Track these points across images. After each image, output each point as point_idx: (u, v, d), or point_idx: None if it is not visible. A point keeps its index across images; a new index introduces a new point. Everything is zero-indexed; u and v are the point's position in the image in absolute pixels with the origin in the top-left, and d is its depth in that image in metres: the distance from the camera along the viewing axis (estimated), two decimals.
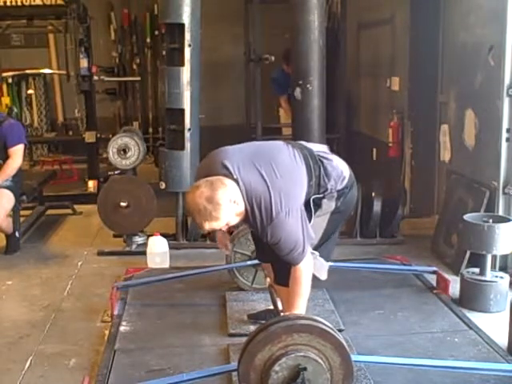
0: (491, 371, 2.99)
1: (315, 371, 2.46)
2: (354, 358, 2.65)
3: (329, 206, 3.12)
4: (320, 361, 2.48)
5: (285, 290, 3.12)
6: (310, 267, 2.99)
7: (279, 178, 2.91)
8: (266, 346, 2.49)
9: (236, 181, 2.86)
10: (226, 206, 2.79)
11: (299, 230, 2.88)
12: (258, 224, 2.90)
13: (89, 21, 7.44)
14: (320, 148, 3.26)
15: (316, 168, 3.05)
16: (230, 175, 2.88)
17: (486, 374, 3.01)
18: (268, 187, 2.87)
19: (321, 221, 3.13)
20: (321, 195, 3.09)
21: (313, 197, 3.07)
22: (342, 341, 2.54)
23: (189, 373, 2.94)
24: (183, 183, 5.13)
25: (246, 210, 2.88)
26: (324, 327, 2.55)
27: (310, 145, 3.26)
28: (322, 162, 3.08)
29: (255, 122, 6.89)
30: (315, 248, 3.13)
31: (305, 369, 2.45)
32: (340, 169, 3.14)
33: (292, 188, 2.93)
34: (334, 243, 3.37)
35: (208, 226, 2.83)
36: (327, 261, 3.24)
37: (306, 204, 3.04)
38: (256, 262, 3.83)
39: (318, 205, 3.10)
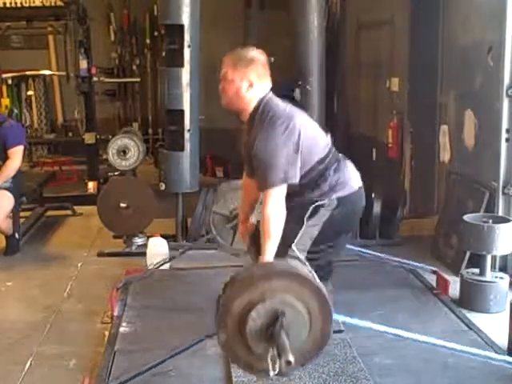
0: (474, 356, 2.98)
1: (293, 316, 2.41)
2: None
3: (324, 214, 3.12)
4: (298, 306, 2.42)
5: None
6: (279, 203, 2.96)
7: (299, 116, 3.09)
8: (243, 293, 2.43)
9: (270, 93, 3.10)
10: (249, 70, 3.03)
11: (284, 153, 2.95)
12: (255, 126, 3.04)
13: (88, 22, 7.45)
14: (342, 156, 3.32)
15: (331, 160, 3.15)
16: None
17: (488, 373, 3.03)
18: (285, 112, 3.06)
19: (312, 230, 3.12)
20: (323, 202, 3.10)
21: (314, 205, 3.08)
22: (319, 286, 2.50)
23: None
24: (183, 184, 5.14)
25: (255, 108, 3.07)
26: (301, 273, 2.52)
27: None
28: (339, 160, 3.19)
29: None
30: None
31: (283, 313, 2.39)
32: (349, 175, 3.20)
33: (305, 129, 3.05)
34: (327, 258, 3.30)
35: (224, 68, 3.08)
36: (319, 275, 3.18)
37: (303, 210, 3.07)
38: (235, 223, 3.81)
39: (315, 212, 3.10)
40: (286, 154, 2.96)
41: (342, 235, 3.34)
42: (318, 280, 2.55)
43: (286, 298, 2.42)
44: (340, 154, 3.27)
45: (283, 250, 3.02)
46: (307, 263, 3.10)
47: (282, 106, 3.11)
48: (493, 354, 3.09)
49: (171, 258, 4.42)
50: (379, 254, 4.45)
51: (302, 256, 3.10)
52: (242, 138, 3.25)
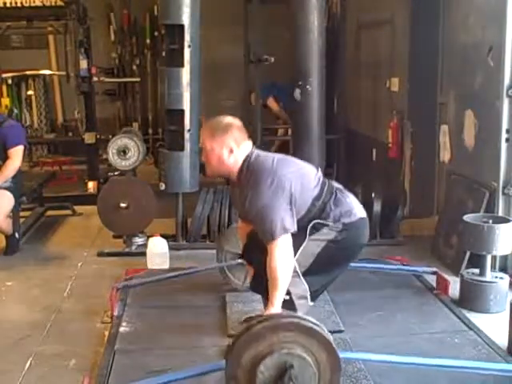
0: (486, 370, 2.98)
1: (301, 367, 2.44)
2: (345, 355, 2.68)
3: (328, 233, 3.15)
4: (306, 357, 2.45)
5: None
6: (285, 254, 3.01)
7: (282, 167, 3.11)
8: (252, 345, 2.47)
9: (253, 148, 3.20)
10: (226, 137, 3.12)
11: (275, 206, 3.00)
12: (243, 185, 3.12)
13: (88, 22, 7.45)
14: (340, 187, 3.34)
15: (327, 195, 3.18)
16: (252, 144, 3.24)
17: (486, 375, 3.02)
18: (269, 167, 3.09)
19: (315, 246, 3.14)
20: (327, 223, 3.13)
21: (316, 221, 3.12)
22: (326, 335, 2.52)
23: (177, 372, 2.94)
24: (183, 184, 5.14)
25: (240, 169, 3.15)
26: (308, 324, 2.53)
27: (335, 183, 3.36)
28: (335, 194, 3.21)
29: (255, 122, 6.89)
30: (303, 274, 3.13)
31: (292, 366, 2.42)
32: (352, 205, 3.23)
33: (292, 179, 3.07)
34: (324, 282, 3.31)
35: (203, 139, 3.19)
36: (311, 295, 3.18)
37: (304, 225, 3.10)
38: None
39: (317, 229, 3.14)
40: (277, 206, 3.01)
41: (344, 262, 3.34)
42: (325, 330, 2.57)
43: (294, 350, 2.45)
44: (336, 186, 3.29)
45: None
46: (305, 283, 3.13)
47: (265, 161, 3.14)
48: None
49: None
50: (377, 265, 4.47)
51: (301, 271, 3.12)
52: (233, 195, 3.33)
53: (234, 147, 3.13)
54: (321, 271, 3.21)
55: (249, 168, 3.13)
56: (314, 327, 2.53)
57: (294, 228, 3.04)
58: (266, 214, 3.00)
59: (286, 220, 3.01)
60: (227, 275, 4.15)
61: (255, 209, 3.04)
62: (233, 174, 3.20)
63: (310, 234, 3.12)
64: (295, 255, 3.08)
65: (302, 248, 3.10)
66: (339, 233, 3.15)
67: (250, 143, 3.22)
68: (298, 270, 3.10)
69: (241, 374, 2.48)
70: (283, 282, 3.00)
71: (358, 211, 3.25)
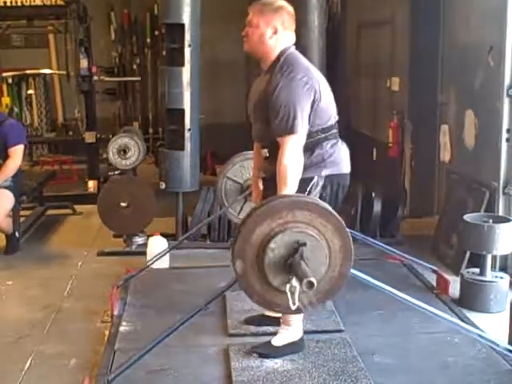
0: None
1: (314, 248, 2.33)
2: None
3: (316, 195, 3.13)
4: (319, 238, 2.35)
5: None
6: (298, 151, 2.99)
7: (318, 75, 3.14)
8: (265, 220, 2.35)
9: (293, 46, 3.16)
10: (275, 17, 3.08)
11: (303, 104, 2.99)
12: (275, 73, 3.06)
13: (89, 21, 7.45)
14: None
15: (333, 136, 3.18)
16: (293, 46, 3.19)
17: (487, 375, 3.03)
18: (307, 67, 3.11)
19: None
20: (312, 180, 3.10)
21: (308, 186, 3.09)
22: (342, 223, 2.43)
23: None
24: (183, 183, 5.15)
25: (277, 58, 3.10)
26: (327, 208, 2.45)
27: None
28: (338, 140, 3.21)
29: None
30: None
31: (304, 244, 2.31)
32: (342, 156, 3.20)
33: (320, 91, 3.07)
34: None
35: (251, 13, 3.13)
36: None
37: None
38: (247, 193, 3.81)
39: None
40: (303, 104, 3.00)
41: (337, 204, 3.31)
42: (340, 218, 2.47)
43: (307, 230, 2.34)
44: (339, 137, 3.28)
45: None
46: None
47: (304, 62, 3.14)
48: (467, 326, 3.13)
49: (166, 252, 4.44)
50: (380, 245, 4.45)
51: None
52: (257, 88, 3.23)
53: (279, 29, 3.09)
54: None
55: (287, 59, 3.09)
56: (332, 211, 2.44)
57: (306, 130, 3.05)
58: (292, 108, 2.97)
59: (306, 121, 3.01)
60: (225, 205, 4.04)
61: (284, 99, 2.99)
62: (268, 58, 3.14)
63: None
64: None
65: None
66: (323, 189, 3.13)
67: (294, 36, 3.18)
68: None
69: (249, 251, 2.36)
70: (293, 179, 2.97)
71: (345, 166, 3.23)
